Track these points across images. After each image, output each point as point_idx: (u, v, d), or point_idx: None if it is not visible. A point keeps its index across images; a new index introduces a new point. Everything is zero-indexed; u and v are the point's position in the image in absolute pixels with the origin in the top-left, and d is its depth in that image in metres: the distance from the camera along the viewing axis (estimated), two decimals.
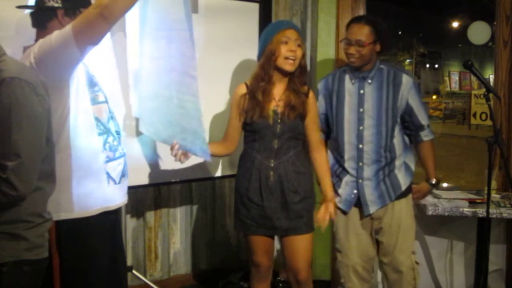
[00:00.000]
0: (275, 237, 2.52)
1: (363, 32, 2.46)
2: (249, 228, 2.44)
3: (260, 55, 2.42)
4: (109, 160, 2.03)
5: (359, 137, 2.56)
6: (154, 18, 2.26)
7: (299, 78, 2.40)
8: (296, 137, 2.42)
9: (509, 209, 2.83)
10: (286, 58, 2.32)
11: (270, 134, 2.37)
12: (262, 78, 2.37)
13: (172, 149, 2.31)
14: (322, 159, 2.54)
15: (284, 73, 2.37)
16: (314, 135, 2.51)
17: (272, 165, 2.38)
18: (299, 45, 2.34)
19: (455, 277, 3.32)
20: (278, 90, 2.40)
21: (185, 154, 2.32)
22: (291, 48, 2.32)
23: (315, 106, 2.51)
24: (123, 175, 2.10)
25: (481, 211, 2.83)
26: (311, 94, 2.46)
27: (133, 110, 2.53)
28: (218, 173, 3.00)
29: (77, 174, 1.94)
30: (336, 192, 2.62)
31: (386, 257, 2.63)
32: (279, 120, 2.37)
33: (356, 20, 2.56)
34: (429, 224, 3.27)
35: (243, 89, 2.43)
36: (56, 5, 1.94)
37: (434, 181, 2.71)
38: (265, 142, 2.38)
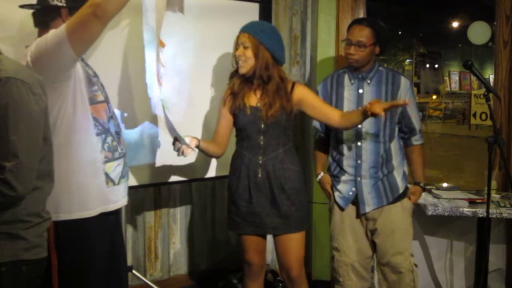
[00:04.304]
0: (267, 236, 2.53)
1: (364, 34, 2.49)
2: (238, 226, 2.47)
3: None
4: (107, 160, 2.01)
5: (358, 135, 2.58)
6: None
7: (263, 75, 2.38)
8: (285, 133, 2.45)
9: (509, 209, 2.83)
10: (237, 62, 2.39)
11: (255, 131, 2.42)
12: (237, 77, 2.45)
13: (173, 144, 2.35)
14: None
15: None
16: (332, 113, 2.44)
17: (260, 162, 2.41)
18: (246, 47, 2.35)
19: (455, 277, 3.31)
20: (259, 89, 2.44)
21: (186, 149, 2.35)
22: (237, 53, 2.37)
23: (308, 93, 2.47)
24: (122, 176, 2.08)
25: (481, 211, 2.83)
26: (296, 86, 2.46)
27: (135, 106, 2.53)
28: (218, 173, 3.00)
29: (76, 174, 1.93)
30: (335, 187, 2.65)
31: (384, 258, 2.64)
32: (262, 117, 2.40)
33: (358, 21, 2.59)
34: (429, 224, 3.27)
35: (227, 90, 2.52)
36: (60, 4, 1.93)
37: (423, 184, 2.72)
38: (251, 139, 2.43)
